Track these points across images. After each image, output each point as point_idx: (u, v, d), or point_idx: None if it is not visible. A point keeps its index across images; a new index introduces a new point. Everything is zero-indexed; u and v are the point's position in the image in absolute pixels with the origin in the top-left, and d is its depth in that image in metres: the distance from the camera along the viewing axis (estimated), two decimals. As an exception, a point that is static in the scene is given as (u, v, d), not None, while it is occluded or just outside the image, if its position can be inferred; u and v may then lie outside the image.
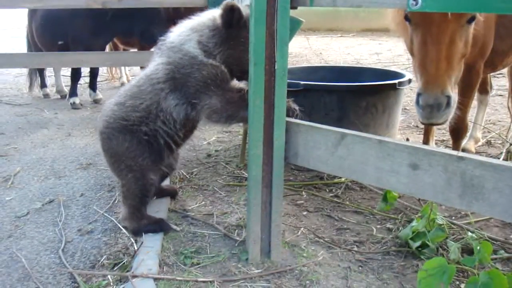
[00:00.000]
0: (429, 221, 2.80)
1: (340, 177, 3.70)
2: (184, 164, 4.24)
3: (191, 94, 2.74)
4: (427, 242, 2.74)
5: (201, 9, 5.94)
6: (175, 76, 2.76)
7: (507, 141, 4.60)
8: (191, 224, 3.12)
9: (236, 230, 3.01)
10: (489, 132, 5.08)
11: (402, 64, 9.27)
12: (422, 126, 5.00)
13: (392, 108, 4.11)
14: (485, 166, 1.88)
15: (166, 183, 3.53)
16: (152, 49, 7.05)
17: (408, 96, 6.64)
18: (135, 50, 7.59)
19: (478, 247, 2.41)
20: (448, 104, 2.72)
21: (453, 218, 3.19)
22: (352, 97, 3.97)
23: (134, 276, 2.46)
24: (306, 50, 11.57)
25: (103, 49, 7.09)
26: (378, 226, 3.12)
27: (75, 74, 6.98)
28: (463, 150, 4.22)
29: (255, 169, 2.54)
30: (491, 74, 4.85)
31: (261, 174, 2.55)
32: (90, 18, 6.35)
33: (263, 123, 2.50)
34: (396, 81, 4.05)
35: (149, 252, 2.67)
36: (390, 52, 11.57)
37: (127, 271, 2.57)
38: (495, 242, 2.84)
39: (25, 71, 7.83)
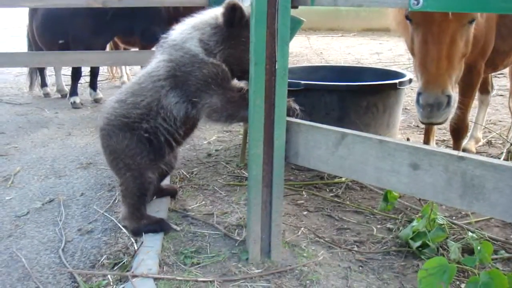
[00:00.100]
0: (429, 221, 2.79)
1: (341, 177, 3.70)
2: (184, 163, 4.23)
3: (192, 92, 2.74)
4: (428, 242, 2.73)
5: (202, 8, 5.99)
6: (176, 74, 2.76)
7: (507, 141, 4.59)
8: (191, 224, 3.11)
9: (236, 230, 3.01)
10: (489, 132, 5.08)
11: (402, 64, 9.26)
12: (423, 126, 5.00)
13: (392, 108, 4.11)
14: (486, 166, 1.88)
15: (166, 182, 3.53)
16: (153, 49, 7.07)
17: (408, 96, 6.64)
18: (136, 49, 7.58)
19: (479, 247, 2.41)
20: (449, 103, 2.72)
21: (454, 218, 3.19)
22: (353, 97, 3.96)
23: (134, 276, 2.45)
24: (307, 50, 11.56)
25: (104, 48, 7.08)
26: (379, 226, 3.12)
27: (76, 74, 6.97)
28: (464, 150, 4.21)
29: (255, 168, 2.53)
30: (492, 74, 4.84)
31: (262, 173, 2.54)
32: (91, 17, 6.34)
33: (263, 123, 2.49)
34: (397, 81, 4.04)
35: (149, 252, 2.67)
36: (391, 52, 11.56)
37: (127, 271, 2.57)
38: (495, 242, 2.83)
39: (25, 70, 7.84)
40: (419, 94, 2.78)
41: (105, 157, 3.03)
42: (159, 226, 2.92)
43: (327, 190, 3.69)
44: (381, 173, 2.20)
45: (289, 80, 2.53)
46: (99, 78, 7.51)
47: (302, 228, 3.05)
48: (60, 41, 6.70)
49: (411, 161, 2.08)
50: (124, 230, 3.02)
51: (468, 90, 3.59)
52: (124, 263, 2.69)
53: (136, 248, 2.76)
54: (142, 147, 2.86)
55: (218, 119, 2.77)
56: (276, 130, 2.51)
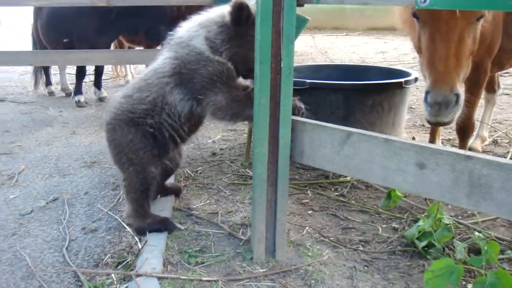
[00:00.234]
0: (435, 220, 2.77)
1: (346, 176, 3.68)
2: (189, 162, 4.22)
3: (197, 90, 2.73)
4: (433, 242, 2.71)
5: (203, 7, 5.97)
6: (182, 71, 2.75)
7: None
8: (196, 223, 3.10)
9: (241, 229, 2.99)
10: (495, 131, 5.05)
11: (407, 63, 9.23)
12: (428, 125, 4.98)
13: (398, 107, 4.09)
14: (493, 165, 1.86)
15: (170, 181, 3.52)
16: (158, 47, 7.07)
17: (413, 95, 6.61)
18: (141, 48, 7.58)
19: (486, 247, 2.39)
20: (457, 102, 2.70)
21: (460, 217, 3.17)
22: (358, 96, 3.94)
23: (138, 275, 2.44)
24: (312, 49, 11.54)
25: (108, 47, 7.09)
26: (384, 226, 3.10)
27: (80, 72, 6.98)
28: (470, 149, 4.19)
29: (260, 167, 2.52)
30: (499, 72, 4.81)
31: (267, 172, 2.53)
32: (95, 16, 6.34)
33: (268, 122, 2.48)
34: (402, 80, 4.02)
35: (153, 251, 2.65)
36: (396, 51, 11.54)
37: (131, 270, 2.55)
38: (502, 242, 2.81)
39: (30, 69, 7.84)
40: (427, 92, 2.76)
41: (110, 151, 3.02)
42: (163, 225, 2.91)
43: (332, 189, 3.67)
44: (387, 172, 2.18)
45: (294, 79, 2.51)
46: (103, 77, 7.51)
47: (307, 228, 3.04)
48: (65, 40, 6.70)
49: (417, 160, 2.06)
50: (128, 229, 3.01)
51: (475, 89, 3.56)
52: (128, 262, 2.67)
53: (140, 247, 2.75)
54: (146, 142, 2.86)
55: (223, 118, 2.76)
56: (281, 129, 2.49)
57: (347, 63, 8.62)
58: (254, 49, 2.49)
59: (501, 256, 2.66)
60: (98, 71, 7.19)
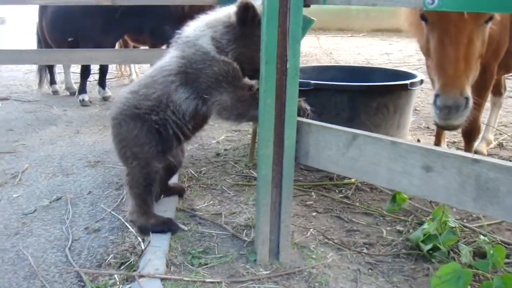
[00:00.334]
0: (440, 223, 2.75)
1: (350, 178, 3.67)
2: (193, 163, 4.21)
3: (203, 89, 2.73)
4: (438, 245, 2.69)
5: (209, 7, 5.97)
6: (187, 71, 2.75)
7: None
8: (199, 224, 3.09)
9: (245, 231, 2.98)
10: (500, 134, 5.02)
11: (412, 65, 9.21)
12: (433, 127, 4.96)
13: (403, 109, 4.07)
14: (501, 169, 1.83)
15: (174, 181, 3.51)
16: (162, 47, 7.07)
17: (418, 97, 6.59)
18: (145, 47, 7.58)
19: (491, 251, 2.37)
20: (466, 105, 2.68)
21: (465, 220, 3.14)
22: (363, 97, 3.93)
23: (141, 276, 2.43)
24: (316, 50, 11.53)
25: (113, 46, 7.09)
26: (388, 228, 3.08)
27: (85, 71, 6.99)
28: (475, 152, 4.17)
29: (264, 168, 2.50)
30: (505, 75, 4.79)
31: (271, 174, 2.51)
32: (100, 16, 6.35)
33: (274, 123, 2.46)
34: (408, 82, 4.00)
35: (157, 251, 2.64)
36: (401, 53, 11.51)
37: (134, 270, 2.54)
38: (507, 246, 2.79)
39: (34, 67, 7.85)
40: (436, 96, 2.73)
41: (115, 146, 3.01)
42: (166, 227, 2.90)
43: (337, 191, 3.66)
44: (393, 175, 2.16)
45: (299, 80, 2.49)
46: (108, 76, 7.50)
47: (311, 230, 3.02)
48: (70, 39, 6.70)
49: (424, 163, 2.04)
50: (131, 229, 3.00)
51: (481, 92, 3.53)
52: (131, 262, 2.66)
53: (143, 247, 2.74)
54: (151, 137, 2.85)
55: (228, 117, 2.75)
56: (286, 130, 2.48)
57: (352, 65, 8.60)
58: (260, 49, 2.48)
59: (507, 260, 2.63)
60: (103, 70, 7.20)
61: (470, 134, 3.79)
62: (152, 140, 2.86)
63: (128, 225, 3.04)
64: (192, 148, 4.49)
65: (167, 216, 3.02)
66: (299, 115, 2.53)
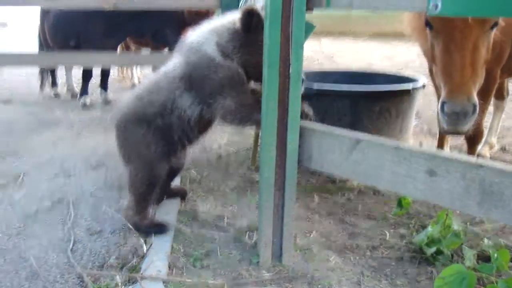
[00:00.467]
0: (444, 227, 2.75)
1: (353, 181, 3.66)
2: (195, 165, 4.20)
3: (207, 94, 2.73)
4: (442, 249, 2.69)
5: (207, 11, 6.03)
6: (192, 76, 2.76)
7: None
8: (201, 226, 3.09)
9: (247, 233, 2.97)
10: (503, 138, 5.02)
11: (414, 69, 9.20)
12: (436, 131, 4.95)
13: (405, 113, 4.06)
14: (505, 173, 1.83)
15: (176, 184, 3.51)
16: (164, 50, 7.08)
17: (420, 101, 6.57)
18: (148, 50, 7.59)
19: (495, 255, 2.37)
20: (474, 111, 2.68)
21: (468, 224, 3.13)
22: (366, 102, 3.92)
23: (143, 278, 2.43)
24: (318, 54, 11.53)
25: (115, 49, 7.09)
26: (391, 231, 3.07)
27: (86, 74, 6.98)
28: (478, 156, 4.16)
29: (267, 171, 2.50)
30: (508, 79, 4.79)
31: (274, 177, 2.51)
32: (103, 19, 6.35)
33: (276, 126, 2.46)
34: (410, 86, 4.00)
35: (159, 253, 2.64)
36: (402, 57, 11.51)
37: (136, 272, 2.54)
38: (511, 250, 2.78)
39: (36, 70, 7.85)
40: (443, 103, 2.72)
41: (119, 147, 3.02)
42: (159, 229, 2.91)
43: (339, 194, 3.65)
44: (397, 179, 2.16)
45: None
46: (109, 79, 7.50)
47: (314, 232, 3.02)
48: (72, 43, 6.70)
49: (428, 167, 2.04)
50: (133, 230, 2.99)
51: (484, 96, 3.52)
52: (133, 264, 2.65)
53: (145, 249, 2.74)
54: (157, 137, 2.86)
55: (232, 121, 2.75)
56: (289, 134, 2.48)
57: (354, 69, 8.59)
58: (265, 54, 2.48)
59: (511, 264, 2.62)
60: (104, 73, 7.20)
61: (473, 138, 3.78)
62: (159, 141, 2.87)
63: (130, 226, 3.04)
64: (194, 150, 4.49)
65: (163, 221, 3.02)
66: (301, 118, 2.53)
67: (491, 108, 4.72)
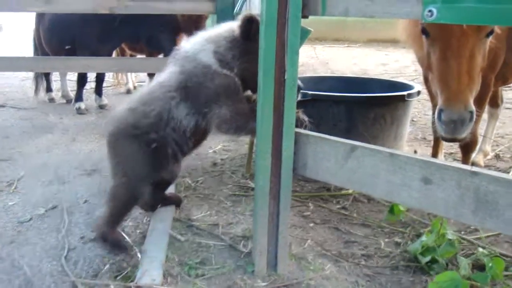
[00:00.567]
0: (439, 235, 2.75)
1: (348, 189, 3.66)
2: (189, 172, 4.19)
3: (202, 103, 2.71)
4: (437, 258, 2.69)
5: (199, 16, 6.06)
6: (187, 85, 2.73)
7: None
8: (196, 234, 3.07)
9: (242, 241, 2.96)
10: (497, 145, 5.03)
11: (409, 75, 9.22)
12: (430, 138, 4.96)
13: (400, 120, 4.07)
14: (500, 182, 1.83)
15: (171, 191, 3.49)
16: (159, 55, 7.08)
17: (415, 107, 6.59)
18: (142, 56, 7.58)
19: (490, 264, 2.37)
20: (471, 118, 2.68)
21: (463, 233, 3.14)
22: (361, 108, 3.93)
23: (138, 287, 2.42)
24: (313, 60, 11.54)
25: (110, 54, 7.08)
26: (386, 240, 3.07)
27: (81, 79, 6.96)
28: (472, 164, 4.17)
29: (262, 179, 2.50)
30: (502, 87, 4.80)
31: (269, 185, 2.51)
32: (98, 24, 6.34)
33: (271, 134, 2.46)
34: (405, 93, 4.01)
35: (153, 262, 2.62)
36: (397, 63, 11.53)
37: (131, 281, 2.53)
38: (505, 258, 2.78)
39: (31, 75, 7.82)
40: (440, 110, 2.73)
41: (109, 159, 2.99)
42: (118, 250, 2.84)
43: (334, 202, 3.65)
44: (392, 187, 2.16)
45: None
46: (104, 84, 7.48)
47: (309, 241, 3.01)
48: (67, 47, 6.69)
49: (423, 175, 2.04)
50: (127, 239, 2.98)
51: (479, 104, 3.52)
52: (127, 273, 2.64)
53: (139, 258, 2.72)
54: (146, 159, 2.82)
55: (227, 130, 2.74)
56: (284, 141, 2.47)
57: (349, 75, 8.60)
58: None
59: (506, 273, 2.62)
60: (99, 79, 7.18)
61: (468, 145, 3.79)
62: (147, 163, 2.83)
63: (124, 235, 3.02)
64: (189, 157, 4.47)
65: (163, 225, 3.00)
66: (297, 126, 2.53)
67: (485, 115, 4.73)
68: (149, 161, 2.83)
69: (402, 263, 2.79)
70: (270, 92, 2.42)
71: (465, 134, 2.74)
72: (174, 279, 2.56)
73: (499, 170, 4.31)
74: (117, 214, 2.89)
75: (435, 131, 3.63)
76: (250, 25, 2.67)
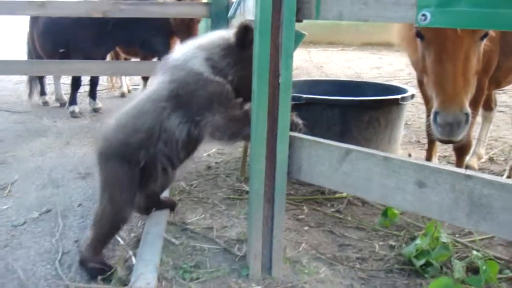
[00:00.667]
0: (433, 239, 2.75)
1: (342, 192, 3.66)
2: (184, 176, 4.18)
3: (195, 111, 2.65)
4: (431, 261, 2.69)
5: (192, 20, 6.08)
6: (179, 93, 2.66)
7: (511, 158, 4.57)
8: (191, 238, 3.07)
9: (237, 245, 2.96)
10: (491, 148, 5.05)
11: (403, 79, 9.25)
12: (424, 141, 4.97)
13: (394, 123, 4.08)
14: (494, 185, 1.85)
15: (165, 195, 3.48)
16: (153, 59, 7.07)
17: (409, 111, 6.61)
18: (137, 59, 7.57)
19: (484, 267, 2.37)
20: (467, 121, 2.70)
21: (457, 235, 3.14)
22: (355, 112, 3.93)
23: (132, 291, 2.41)
24: (307, 63, 11.56)
25: (105, 58, 7.07)
26: (381, 243, 3.08)
27: (75, 83, 6.94)
28: (466, 167, 4.18)
29: (257, 183, 2.50)
30: (495, 90, 4.82)
31: (263, 188, 2.51)
32: (92, 27, 6.33)
33: (266, 137, 2.46)
34: (399, 96, 4.02)
35: (148, 265, 2.62)
36: (391, 66, 11.55)
37: (125, 285, 2.52)
38: (499, 261, 2.78)
39: (25, 78, 7.79)
40: (436, 113, 2.74)
41: (98, 177, 2.88)
42: (102, 272, 2.69)
43: (328, 205, 3.65)
44: (386, 191, 2.16)
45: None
46: (98, 88, 7.47)
47: (303, 244, 3.01)
48: (61, 50, 6.68)
49: (417, 178, 2.05)
50: (122, 242, 2.98)
51: (473, 107, 3.54)
52: (121, 277, 2.63)
53: (134, 261, 2.72)
54: (133, 184, 2.76)
55: (221, 138, 2.68)
56: (279, 145, 2.47)
57: (343, 79, 8.62)
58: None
59: (500, 276, 2.63)
60: (93, 82, 7.16)
61: (462, 148, 3.80)
62: (133, 187, 2.77)
63: (118, 238, 3.02)
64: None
65: (157, 229, 2.99)
66: (291, 129, 2.53)
67: (479, 119, 4.75)
68: (136, 184, 2.77)
69: (396, 266, 2.80)
70: (264, 96, 2.42)
71: (461, 136, 2.76)
72: (169, 282, 2.55)
73: (493, 173, 4.33)
74: (102, 239, 2.80)
75: (429, 134, 3.65)
76: (246, 34, 2.65)
